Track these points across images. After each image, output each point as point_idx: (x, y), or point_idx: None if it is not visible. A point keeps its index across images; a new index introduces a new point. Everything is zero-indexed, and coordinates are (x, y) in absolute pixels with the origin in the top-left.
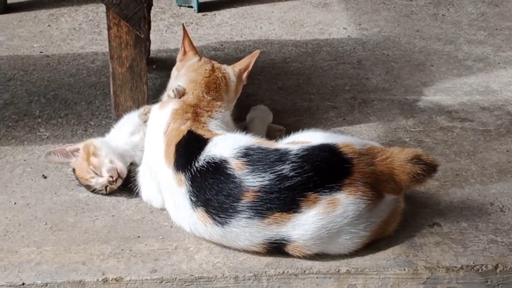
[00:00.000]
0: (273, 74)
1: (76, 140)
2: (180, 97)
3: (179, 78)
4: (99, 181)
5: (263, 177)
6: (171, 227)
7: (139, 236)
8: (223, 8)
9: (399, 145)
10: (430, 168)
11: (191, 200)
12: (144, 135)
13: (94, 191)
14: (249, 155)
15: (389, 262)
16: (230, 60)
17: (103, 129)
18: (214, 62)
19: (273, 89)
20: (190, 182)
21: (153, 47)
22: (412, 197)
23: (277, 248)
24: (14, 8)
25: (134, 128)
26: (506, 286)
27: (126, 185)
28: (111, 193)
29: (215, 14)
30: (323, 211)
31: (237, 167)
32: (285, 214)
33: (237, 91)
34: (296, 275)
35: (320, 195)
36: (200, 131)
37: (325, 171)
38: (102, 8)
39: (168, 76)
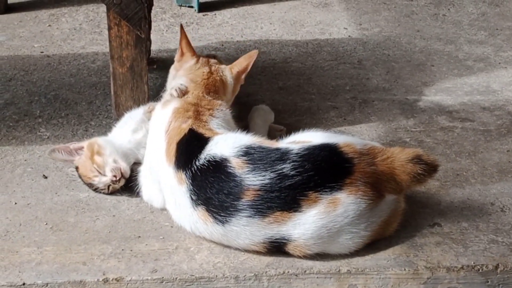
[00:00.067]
0: (273, 74)
1: (77, 140)
2: (183, 96)
3: (177, 78)
4: (102, 180)
5: (264, 176)
6: (172, 227)
7: (139, 236)
8: (223, 8)
9: (399, 145)
10: (430, 168)
11: (192, 198)
12: (147, 132)
13: (96, 190)
14: (249, 154)
15: (390, 262)
16: (231, 60)
17: (104, 129)
18: (212, 62)
19: (274, 89)
20: (190, 181)
21: (153, 47)
22: (413, 197)
23: (277, 248)
24: (15, 8)
25: (136, 125)
26: (506, 286)
27: (128, 184)
28: (113, 192)
29: (215, 14)
30: (323, 210)
31: (237, 165)
32: (285, 213)
33: (234, 91)
34: (296, 275)
35: (321, 194)
36: (201, 130)
37: (326, 170)
38: (102, 8)
39: None
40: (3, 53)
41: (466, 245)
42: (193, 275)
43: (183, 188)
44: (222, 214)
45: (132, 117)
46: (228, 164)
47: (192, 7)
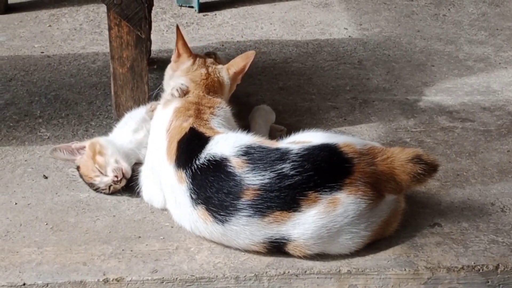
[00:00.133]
0: (274, 74)
1: (77, 141)
2: (184, 96)
3: (175, 78)
4: (104, 180)
5: (264, 175)
6: (172, 227)
7: (140, 237)
8: (224, 8)
9: (400, 145)
10: (430, 168)
11: (192, 197)
12: (147, 132)
13: (97, 190)
14: (249, 154)
15: (390, 262)
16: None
17: (104, 130)
18: (208, 62)
19: (274, 89)
20: (190, 180)
21: (154, 47)
22: (413, 197)
23: (277, 248)
24: (15, 8)
25: (136, 125)
26: (507, 287)
27: (128, 184)
28: (113, 193)
29: (216, 14)
30: (323, 210)
31: (237, 165)
32: (285, 213)
33: (231, 90)
34: (297, 276)
35: (321, 194)
36: (202, 129)
37: (325, 170)
38: (103, 8)
39: None
40: (3, 53)
41: (466, 245)
42: (193, 276)
43: (183, 187)
44: (221, 214)
45: (133, 117)
46: (228, 163)
47: (192, 7)
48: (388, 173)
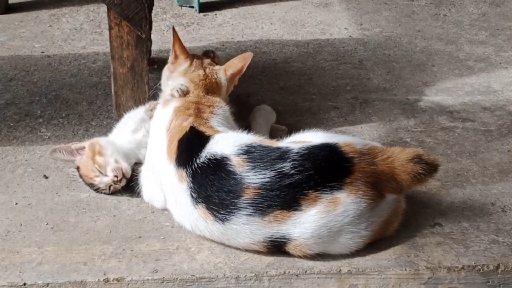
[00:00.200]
0: (274, 74)
1: (77, 141)
2: (184, 96)
3: (173, 79)
4: (104, 180)
5: (264, 174)
6: (173, 227)
7: (140, 236)
8: (224, 8)
9: (400, 145)
10: (431, 168)
11: (192, 196)
12: (147, 132)
13: (97, 190)
14: (250, 153)
15: (390, 262)
16: None
17: (105, 130)
18: (205, 63)
19: (275, 89)
20: (191, 179)
21: (154, 47)
22: (413, 197)
23: (277, 247)
24: (15, 8)
25: (135, 125)
26: (507, 286)
27: (129, 184)
28: (114, 193)
29: (216, 14)
30: (323, 209)
31: (238, 164)
32: (285, 212)
33: (228, 90)
34: (297, 275)
35: (321, 193)
36: (202, 128)
37: (326, 170)
38: (103, 8)
39: None
40: (3, 53)
41: (467, 245)
42: (193, 275)
43: (183, 186)
44: (222, 212)
45: (132, 118)
46: (229, 162)
47: (192, 7)
48: (388, 173)
